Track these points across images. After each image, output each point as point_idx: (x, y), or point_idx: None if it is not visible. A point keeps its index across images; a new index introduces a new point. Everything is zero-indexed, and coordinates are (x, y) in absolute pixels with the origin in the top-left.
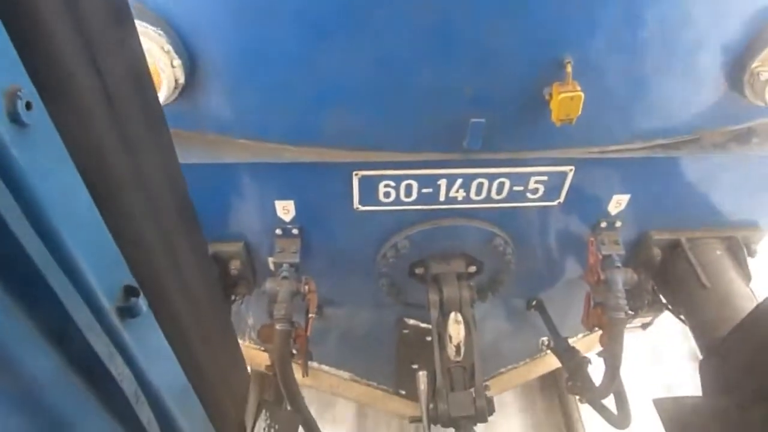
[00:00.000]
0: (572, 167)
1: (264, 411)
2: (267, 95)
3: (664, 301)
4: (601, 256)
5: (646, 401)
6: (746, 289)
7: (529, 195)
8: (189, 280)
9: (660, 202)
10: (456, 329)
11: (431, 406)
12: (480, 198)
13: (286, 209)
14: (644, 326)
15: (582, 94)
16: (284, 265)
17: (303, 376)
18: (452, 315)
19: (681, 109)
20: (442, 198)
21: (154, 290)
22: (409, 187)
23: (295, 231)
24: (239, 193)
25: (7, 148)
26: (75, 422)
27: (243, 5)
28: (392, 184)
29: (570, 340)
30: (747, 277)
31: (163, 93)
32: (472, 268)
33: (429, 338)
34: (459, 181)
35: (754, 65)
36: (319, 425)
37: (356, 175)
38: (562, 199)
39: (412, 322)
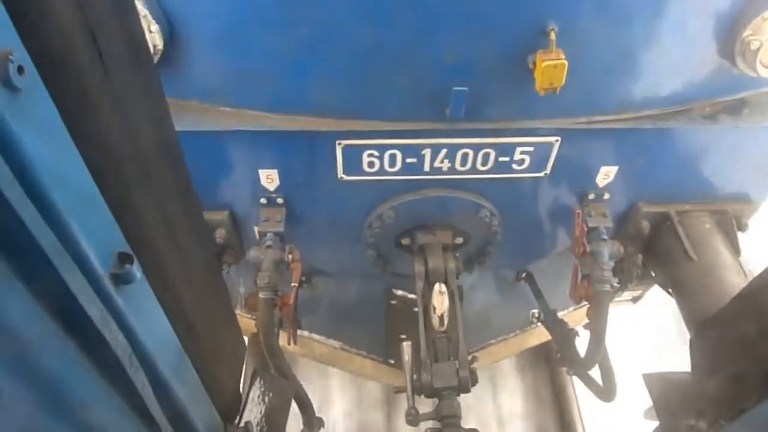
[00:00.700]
0: (558, 138)
1: (258, 379)
2: (248, 62)
3: (652, 274)
4: (587, 228)
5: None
6: (734, 262)
7: (515, 166)
8: (184, 247)
9: (649, 174)
10: (440, 300)
11: (415, 376)
12: (465, 168)
13: (270, 178)
14: (634, 300)
15: (566, 63)
16: (269, 234)
17: (289, 344)
18: (437, 286)
19: (670, 79)
20: (426, 168)
21: (148, 257)
22: (393, 157)
23: (279, 200)
24: (222, 162)
25: None
26: (69, 387)
27: None
28: (376, 153)
29: (562, 313)
30: (736, 251)
31: None
32: (459, 240)
33: (416, 309)
34: (443, 151)
35: (745, 34)
36: None
37: (339, 144)
38: (548, 170)
39: (399, 292)
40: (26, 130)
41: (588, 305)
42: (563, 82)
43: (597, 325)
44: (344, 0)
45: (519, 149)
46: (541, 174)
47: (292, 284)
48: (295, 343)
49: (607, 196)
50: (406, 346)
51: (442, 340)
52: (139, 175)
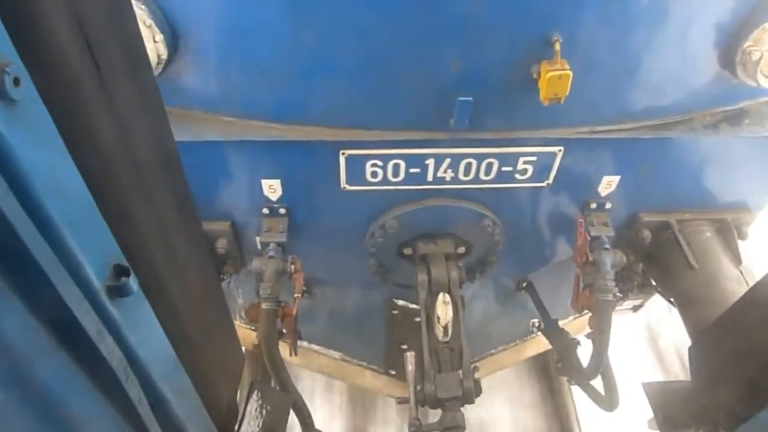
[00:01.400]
0: (561, 148)
1: (256, 391)
2: (252, 72)
3: (653, 283)
4: (589, 238)
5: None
6: (735, 271)
7: (517, 176)
8: (181, 259)
9: (650, 184)
10: (444, 310)
11: (419, 387)
12: (468, 178)
13: (272, 188)
14: (635, 309)
15: (570, 73)
16: (271, 244)
17: (291, 355)
18: (440, 296)
19: (672, 89)
20: (429, 178)
21: (145, 269)
22: (396, 167)
23: (282, 210)
24: (225, 172)
25: None
26: (64, 400)
27: None
28: (379, 163)
29: (562, 322)
30: (736, 259)
31: None
32: (461, 249)
33: (418, 319)
34: (447, 161)
35: (746, 45)
36: None
37: (343, 154)
38: (551, 180)
39: (401, 302)
40: (22, 141)
41: (589, 314)
42: (568, 92)
43: (600, 334)
44: (348, 10)
45: (522, 159)
46: (544, 184)
47: (295, 295)
48: (296, 354)
49: (609, 205)
50: (410, 356)
51: (446, 350)
52: (136, 186)
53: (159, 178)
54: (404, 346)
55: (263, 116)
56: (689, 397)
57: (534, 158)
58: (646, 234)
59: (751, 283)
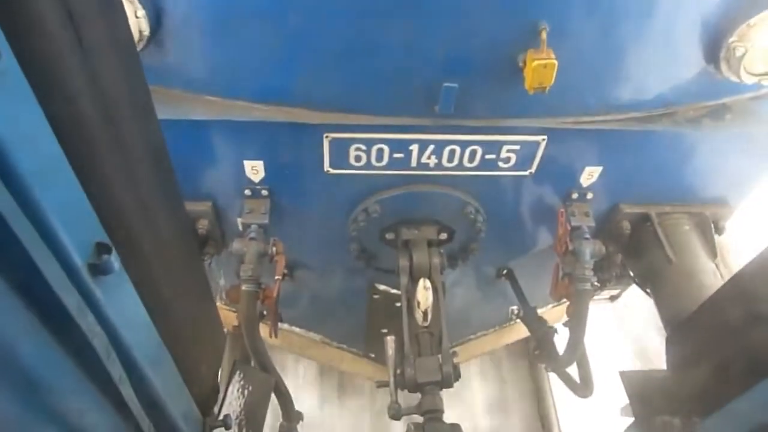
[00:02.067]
0: (545, 137)
1: (238, 372)
2: (236, 51)
3: (631, 274)
4: (570, 227)
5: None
6: (711, 264)
7: (501, 164)
8: (164, 237)
9: (632, 176)
10: (424, 295)
11: (398, 371)
12: (452, 165)
13: (255, 169)
14: (612, 298)
15: (556, 62)
16: (252, 226)
17: (270, 337)
18: (421, 281)
19: (656, 82)
20: (413, 164)
21: (127, 247)
22: (380, 152)
23: (264, 192)
24: (207, 152)
25: None
26: (45, 378)
27: None
28: (363, 147)
29: (540, 310)
30: (712, 253)
31: None
32: (443, 235)
33: (399, 304)
34: (431, 147)
35: (730, 40)
36: None
37: (327, 137)
38: (534, 168)
39: (382, 287)
40: (2, 115)
41: (567, 303)
42: (553, 81)
43: (576, 323)
44: None
45: (506, 147)
46: (527, 172)
47: (276, 277)
48: (276, 337)
49: (590, 195)
50: (390, 340)
51: (425, 335)
52: (119, 164)
53: (143, 157)
54: (385, 331)
55: (247, 96)
56: (665, 385)
57: (517, 147)
58: (626, 225)
59: (726, 277)
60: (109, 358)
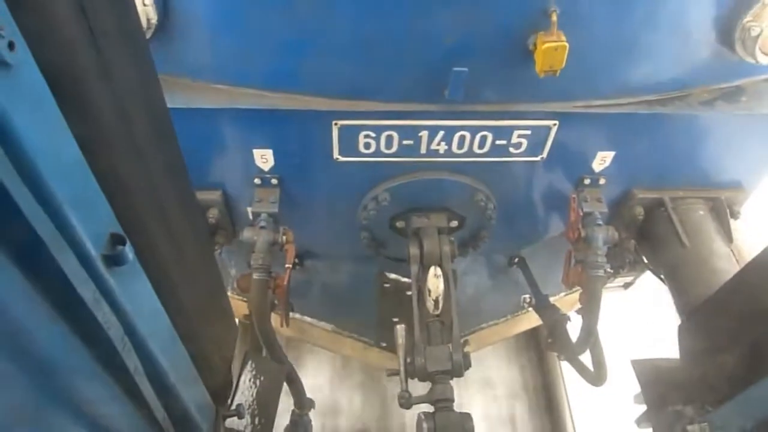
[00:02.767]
0: (556, 121)
1: (250, 362)
2: (244, 39)
3: (645, 260)
4: (582, 213)
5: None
6: (726, 249)
7: (511, 149)
8: (176, 228)
9: (645, 160)
10: (435, 283)
11: (408, 360)
12: (462, 151)
13: (264, 158)
14: (626, 286)
15: (566, 45)
16: (262, 214)
17: (281, 326)
18: (432, 269)
19: (669, 64)
20: (423, 150)
21: (140, 238)
22: (389, 139)
23: (273, 181)
24: (216, 141)
25: None
26: (62, 367)
27: None
28: (372, 134)
29: (553, 298)
30: (728, 238)
31: None
32: (454, 223)
33: (409, 293)
34: (441, 133)
35: (745, 20)
36: None
37: (336, 124)
38: (545, 154)
39: (392, 276)
40: (17, 107)
41: (580, 290)
42: (563, 64)
43: (589, 310)
44: None
45: (516, 132)
46: (538, 158)
47: (286, 266)
48: (288, 326)
49: (602, 181)
50: (400, 329)
51: (436, 323)
52: (131, 155)
53: (154, 146)
54: (395, 319)
55: (255, 84)
56: (677, 374)
57: (528, 132)
58: (639, 211)
59: (742, 262)
60: (125, 348)
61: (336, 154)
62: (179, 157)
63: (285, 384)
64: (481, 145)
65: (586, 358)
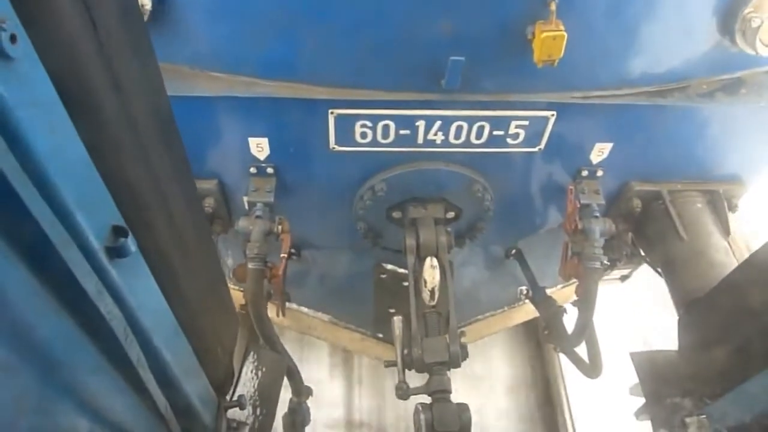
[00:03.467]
0: (554, 112)
1: (252, 353)
2: (241, 26)
3: (642, 253)
4: (579, 205)
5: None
6: (724, 243)
7: (509, 140)
8: (178, 220)
9: (643, 152)
10: (431, 274)
11: (406, 351)
12: (459, 142)
13: (260, 147)
14: (623, 278)
15: (565, 34)
16: (258, 204)
17: (277, 316)
18: (428, 260)
19: (668, 55)
20: (420, 140)
21: (143, 230)
22: (386, 128)
23: (269, 170)
24: (212, 129)
25: None
26: (65, 359)
27: None
28: (369, 124)
29: (550, 290)
30: (726, 231)
31: None
32: (451, 214)
33: (406, 283)
34: (438, 123)
35: (746, 11)
36: None
37: (332, 113)
38: (543, 145)
39: (389, 267)
40: (20, 100)
41: (577, 283)
42: (562, 54)
43: (585, 302)
44: None
45: (514, 123)
46: (536, 149)
47: (282, 255)
48: (284, 315)
49: (600, 173)
50: (397, 320)
51: (433, 314)
52: (133, 146)
53: (155, 137)
54: (392, 310)
55: (251, 72)
56: (676, 367)
57: (526, 122)
58: (637, 203)
59: (739, 256)
60: (127, 340)
61: (332, 144)
62: (180, 147)
63: None
64: (479, 136)
65: (582, 350)
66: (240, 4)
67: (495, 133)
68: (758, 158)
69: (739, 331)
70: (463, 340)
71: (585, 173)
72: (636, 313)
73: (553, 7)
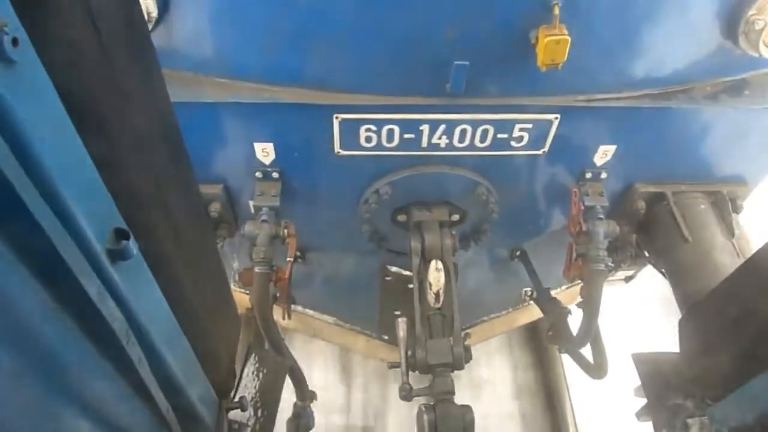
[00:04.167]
0: (558, 115)
1: (253, 355)
2: (246, 32)
3: (646, 254)
4: (583, 207)
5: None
6: (728, 244)
7: (513, 143)
8: (180, 222)
9: (647, 154)
10: (436, 277)
11: (410, 353)
12: (463, 145)
13: (265, 151)
14: (627, 279)
15: (569, 38)
16: (264, 208)
17: (283, 319)
18: (433, 263)
19: (672, 57)
20: (424, 144)
21: (144, 232)
22: (390, 132)
23: (275, 174)
24: (217, 134)
25: None
26: (67, 361)
27: None
28: (373, 128)
29: (554, 292)
30: (730, 232)
31: None
32: (455, 217)
33: (411, 286)
34: (442, 127)
35: (749, 13)
36: None
37: (337, 118)
38: (546, 148)
39: (394, 269)
40: (21, 103)
41: (581, 284)
42: (565, 58)
43: (590, 304)
44: None
45: (518, 126)
46: (540, 152)
47: (288, 259)
48: (290, 318)
49: (604, 175)
50: (402, 322)
51: (437, 316)
52: (135, 150)
53: (158, 142)
54: (397, 312)
55: (256, 77)
56: (678, 368)
57: (530, 125)
58: (641, 205)
59: (744, 256)
60: (129, 342)
61: (337, 148)
62: (182, 150)
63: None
64: (483, 139)
65: (587, 351)
66: (245, 10)
67: (499, 136)
68: (762, 159)
69: (741, 333)
70: (467, 341)
71: (589, 175)
72: (640, 314)
73: (557, 11)
